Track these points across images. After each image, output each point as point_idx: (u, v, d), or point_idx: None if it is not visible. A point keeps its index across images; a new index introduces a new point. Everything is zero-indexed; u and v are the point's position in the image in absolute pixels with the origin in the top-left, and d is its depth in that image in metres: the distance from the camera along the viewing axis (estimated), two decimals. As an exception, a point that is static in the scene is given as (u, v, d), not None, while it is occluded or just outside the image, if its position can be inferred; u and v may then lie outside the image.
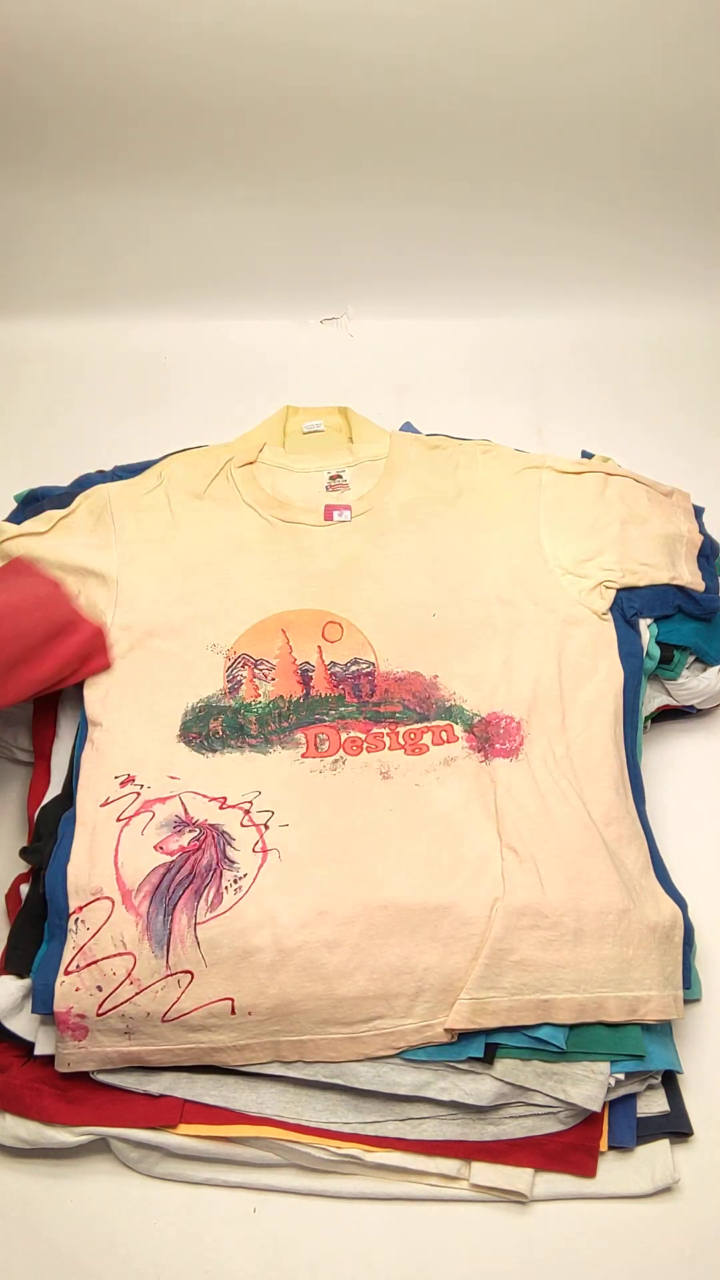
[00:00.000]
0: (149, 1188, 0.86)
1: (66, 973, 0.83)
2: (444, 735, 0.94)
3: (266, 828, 0.89)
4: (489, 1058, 0.83)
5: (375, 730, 0.95)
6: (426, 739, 0.94)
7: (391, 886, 0.85)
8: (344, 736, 0.94)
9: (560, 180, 1.43)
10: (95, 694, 0.97)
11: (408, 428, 1.24)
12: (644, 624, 1.05)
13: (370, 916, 0.84)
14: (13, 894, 0.97)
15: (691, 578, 1.04)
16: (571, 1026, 0.83)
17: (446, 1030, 0.82)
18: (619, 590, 1.03)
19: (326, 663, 0.98)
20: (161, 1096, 0.84)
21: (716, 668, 1.08)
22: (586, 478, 1.08)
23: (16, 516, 1.12)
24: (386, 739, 0.94)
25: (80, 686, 0.99)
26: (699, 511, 1.14)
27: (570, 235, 1.48)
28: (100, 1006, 0.82)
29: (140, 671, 0.98)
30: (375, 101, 1.34)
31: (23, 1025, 0.86)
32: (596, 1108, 0.82)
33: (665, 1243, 0.83)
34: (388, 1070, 0.83)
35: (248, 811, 0.90)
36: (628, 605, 1.04)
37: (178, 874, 0.86)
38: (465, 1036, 0.83)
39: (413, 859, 0.87)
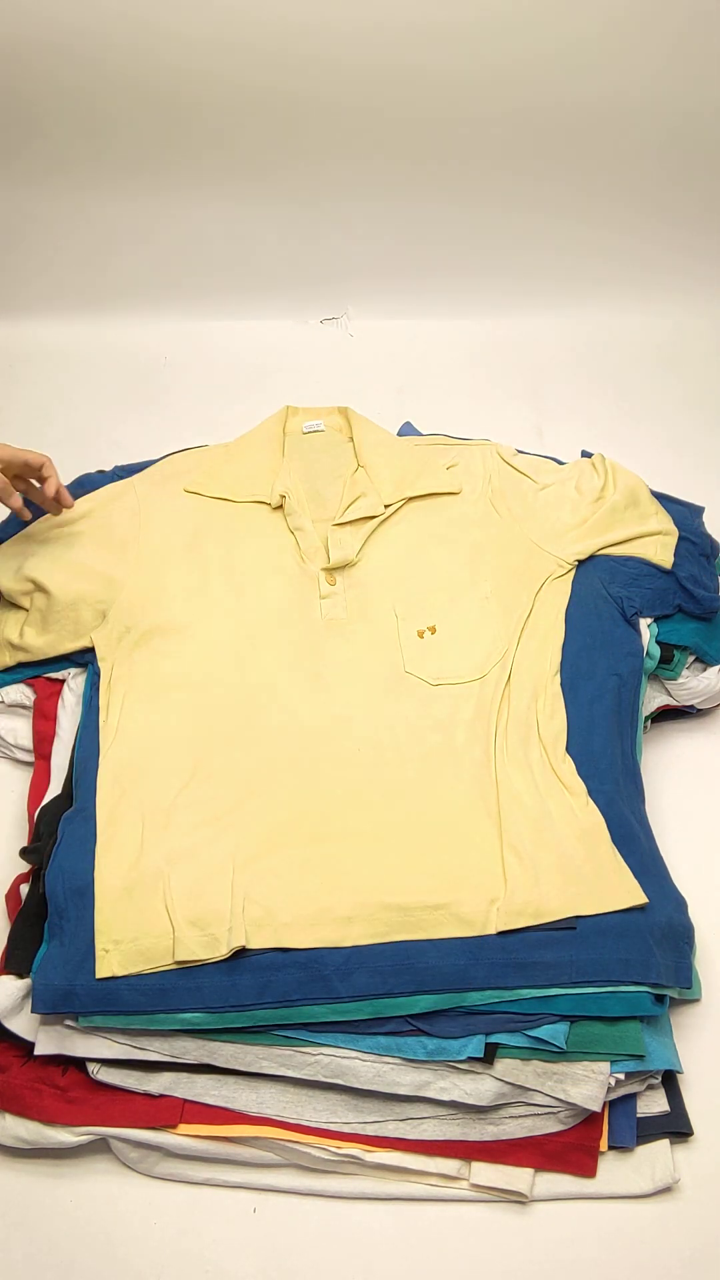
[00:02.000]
0: (149, 1188, 0.86)
1: None
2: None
3: None
4: (489, 1057, 0.83)
5: None
6: None
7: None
8: None
9: (561, 180, 1.43)
10: None
11: (408, 428, 1.24)
12: (644, 624, 1.05)
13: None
14: (13, 894, 0.96)
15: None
16: (571, 1024, 0.83)
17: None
18: (620, 592, 1.04)
19: None
20: (161, 1096, 0.84)
21: (716, 668, 1.08)
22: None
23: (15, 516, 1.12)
24: None
25: (94, 689, 1.00)
26: (698, 511, 1.14)
27: (571, 235, 1.48)
28: None
29: None
30: (376, 102, 1.34)
31: (23, 1025, 0.86)
32: (596, 1108, 0.82)
33: (665, 1243, 0.83)
34: (388, 1070, 0.83)
35: None
36: (628, 605, 1.04)
37: None
38: (465, 1036, 0.83)
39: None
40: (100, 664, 1.02)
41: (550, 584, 1.05)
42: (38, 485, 1.05)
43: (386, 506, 1.09)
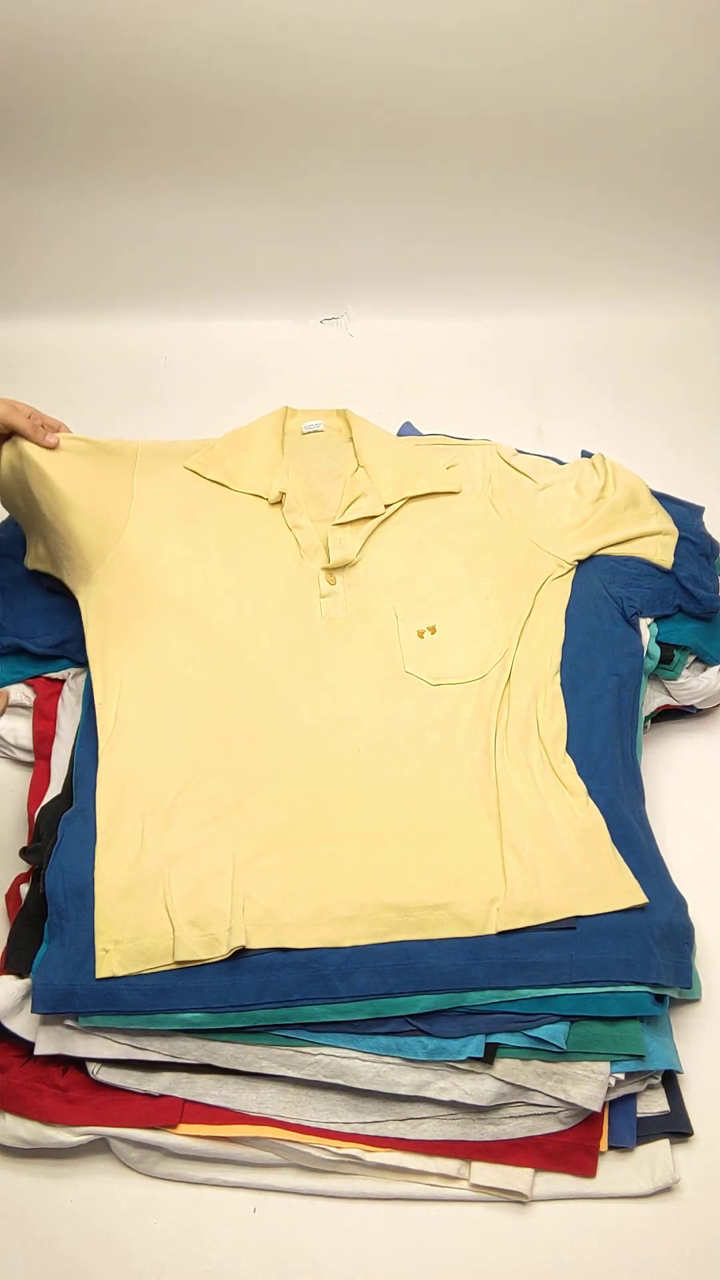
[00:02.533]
0: (149, 1188, 0.86)
1: None
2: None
3: None
4: (489, 1057, 0.83)
5: None
6: None
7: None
8: None
9: (562, 180, 1.43)
10: None
11: (408, 428, 1.24)
12: (644, 624, 1.05)
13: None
14: (13, 894, 0.96)
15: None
16: (571, 1024, 0.83)
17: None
18: (620, 592, 1.04)
19: None
20: (161, 1096, 0.84)
21: (716, 668, 1.08)
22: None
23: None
24: None
25: (90, 690, 0.99)
26: (698, 510, 1.14)
27: (571, 234, 1.48)
28: None
29: None
30: (375, 101, 1.34)
31: (23, 1025, 0.86)
32: (596, 1108, 0.82)
33: (665, 1243, 0.83)
34: (388, 1070, 0.83)
35: None
36: (628, 605, 1.04)
37: None
38: (465, 1036, 0.83)
39: None
40: (87, 629, 0.99)
41: (550, 584, 1.05)
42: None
43: (386, 506, 1.09)
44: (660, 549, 1.08)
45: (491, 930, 0.84)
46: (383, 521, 1.09)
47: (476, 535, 1.08)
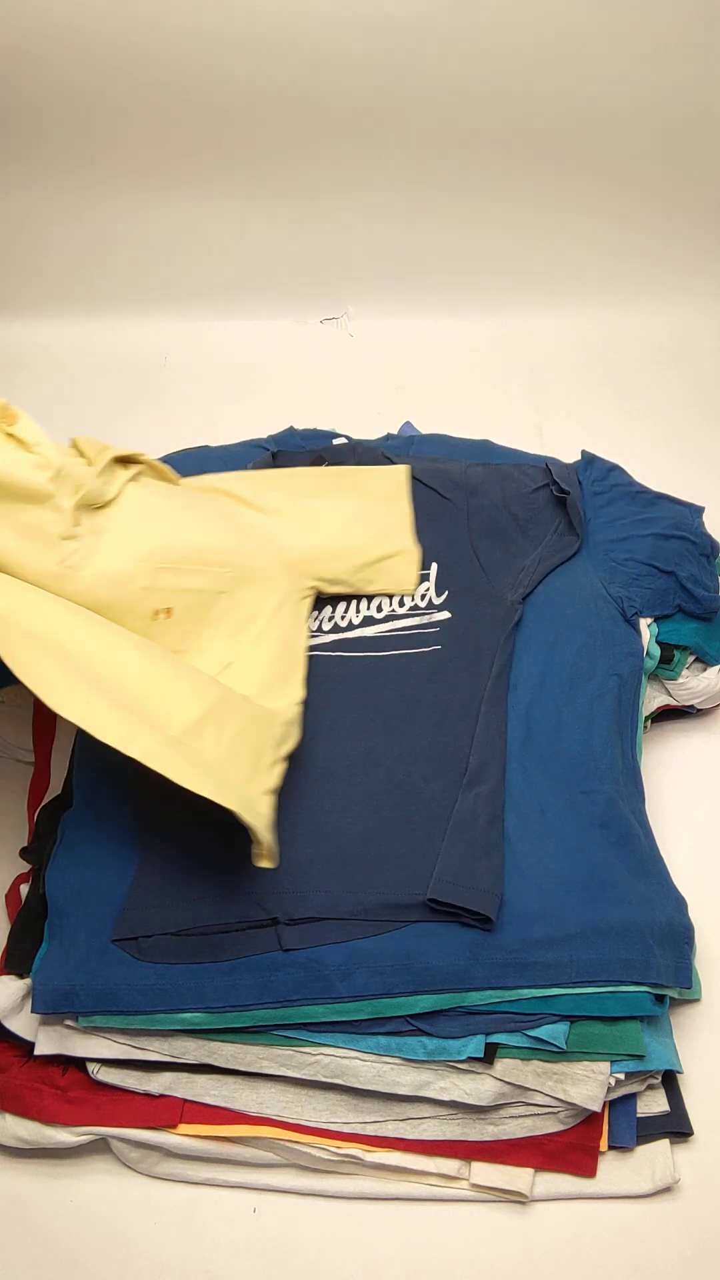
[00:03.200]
0: (149, 1188, 0.86)
1: None
2: None
3: None
4: (489, 1057, 0.83)
5: None
6: None
7: None
8: None
9: (562, 177, 1.43)
10: None
11: (407, 428, 1.24)
12: (644, 624, 1.05)
13: None
14: (13, 894, 0.97)
15: None
16: (571, 1024, 0.83)
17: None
18: (620, 592, 1.04)
19: None
20: (161, 1096, 0.84)
21: (716, 668, 1.08)
22: None
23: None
24: None
25: None
26: (698, 510, 1.14)
27: (571, 233, 1.48)
28: None
29: None
30: (375, 100, 1.34)
31: (23, 1025, 0.86)
32: (596, 1107, 0.82)
33: (665, 1243, 0.83)
34: (387, 1070, 0.83)
35: None
36: (628, 605, 1.04)
37: None
38: (465, 1036, 0.83)
39: None
40: None
41: (289, 607, 0.98)
42: None
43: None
44: (404, 568, 1.03)
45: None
46: (144, 472, 0.97)
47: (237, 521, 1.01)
